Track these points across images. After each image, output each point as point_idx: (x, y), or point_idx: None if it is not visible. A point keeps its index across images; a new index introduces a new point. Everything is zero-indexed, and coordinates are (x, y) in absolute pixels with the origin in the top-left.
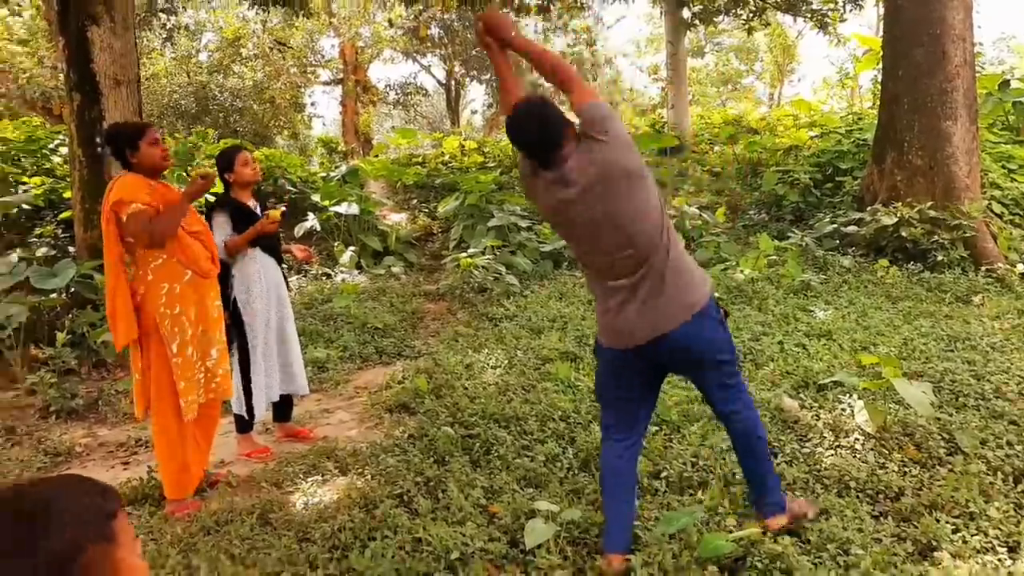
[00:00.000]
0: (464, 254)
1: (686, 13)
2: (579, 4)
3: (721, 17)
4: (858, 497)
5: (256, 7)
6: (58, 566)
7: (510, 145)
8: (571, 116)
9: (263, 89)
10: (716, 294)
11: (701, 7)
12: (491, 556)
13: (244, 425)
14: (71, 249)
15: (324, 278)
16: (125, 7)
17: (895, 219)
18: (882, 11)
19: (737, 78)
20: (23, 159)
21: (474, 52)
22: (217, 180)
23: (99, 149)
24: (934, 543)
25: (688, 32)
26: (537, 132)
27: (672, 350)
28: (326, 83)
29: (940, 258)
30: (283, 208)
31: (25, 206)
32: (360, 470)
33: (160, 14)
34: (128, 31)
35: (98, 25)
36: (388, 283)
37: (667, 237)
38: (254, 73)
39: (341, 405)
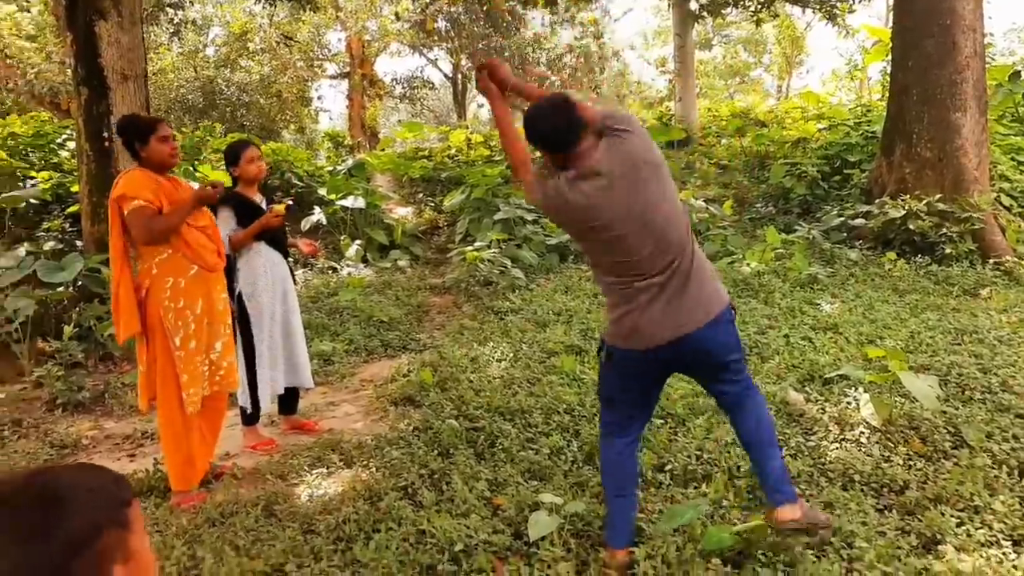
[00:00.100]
0: (470, 247)
1: (694, 5)
2: None
3: (729, 9)
4: (863, 490)
5: (263, 1)
6: (74, 550)
7: None
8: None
9: (270, 83)
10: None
11: None
12: (495, 548)
13: (249, 418)
14: (78, 243)
15: (330, 271)
16: (132, 2)
17: (903, 212)
18: (892, 2)
19: (745, 70)
20: (31, 154)
21: (480, 46)
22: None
23: (106, 144)
24: (938, 537)
25: (696, 24)
26: (564, 121)
27: (693, 351)
28: (333, 77)
29: (948, 251)
30: (288, 202)
31: (33, 200)
32: (365, 462)
33: (167, 9)
34: (135, 26)
35: (106, 20)
36: (394, 276)
37: (691, 236)
38: (261, 67)
39: (347, 398)
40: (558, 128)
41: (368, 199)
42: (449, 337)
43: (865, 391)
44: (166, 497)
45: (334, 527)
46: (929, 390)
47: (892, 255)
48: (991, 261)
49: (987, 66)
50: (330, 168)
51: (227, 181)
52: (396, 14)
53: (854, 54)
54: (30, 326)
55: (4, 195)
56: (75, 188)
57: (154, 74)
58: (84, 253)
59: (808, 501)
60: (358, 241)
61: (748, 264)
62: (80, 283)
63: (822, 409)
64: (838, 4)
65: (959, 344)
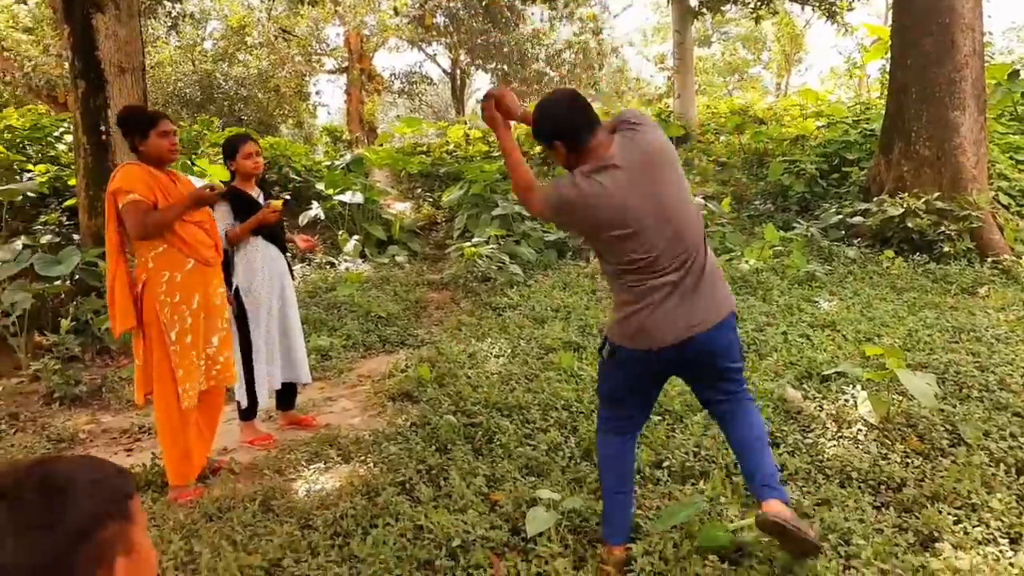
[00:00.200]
0: (468, 243)
1: (693, 2)
2: None
3: (728, 6)
4: (860, 488)
5: None
6: (77, 540)
7: (516, 135)
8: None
9: (268, 78)
10: None
11: None
12: (492, 544)
13: (247, 412)
14: (75, 236)
15: (328, 267)
16: None
17: (901, 210)
18: (891, 0)
19: (744, 67)
20: (28, 147)
21: (479, 40)
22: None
23: (103, 137)
24: (936, 534)
25: (695, 21)
26: (581, 109)
27: (698, 352)
28: (331, 72)
29: (946, 249)
30: (286, 197)
31: (30, 193)
32: (362, 458)
33: (165, 2)
34: (133, 19)
35: (103, 13)
36: (392, 272)
37: (704, 235)
38: (259, 61)
39: (344, 393)
40: (575, 115)
41: (366, 194)
42: (447, 333)
43: (863, 388)
44: (163, 492)
45: (331, 522)
46: (927, 388)
47: (890, 253)
48: (989, 259)
49: (986, 65)
50: (328, 163)
51: (225, 175)
52: (395, 9)
53: (853, 52)
54: (27, 320)
55: (1, 188)
56: (72, 181)
57: (152, 67)
58: (81, 246)
59: (805, 499)
60: (356, 236)
61: (746, 261)
62: (77, 277)
63: (820, 406)
64: (837, 2)
65: (957, 342)
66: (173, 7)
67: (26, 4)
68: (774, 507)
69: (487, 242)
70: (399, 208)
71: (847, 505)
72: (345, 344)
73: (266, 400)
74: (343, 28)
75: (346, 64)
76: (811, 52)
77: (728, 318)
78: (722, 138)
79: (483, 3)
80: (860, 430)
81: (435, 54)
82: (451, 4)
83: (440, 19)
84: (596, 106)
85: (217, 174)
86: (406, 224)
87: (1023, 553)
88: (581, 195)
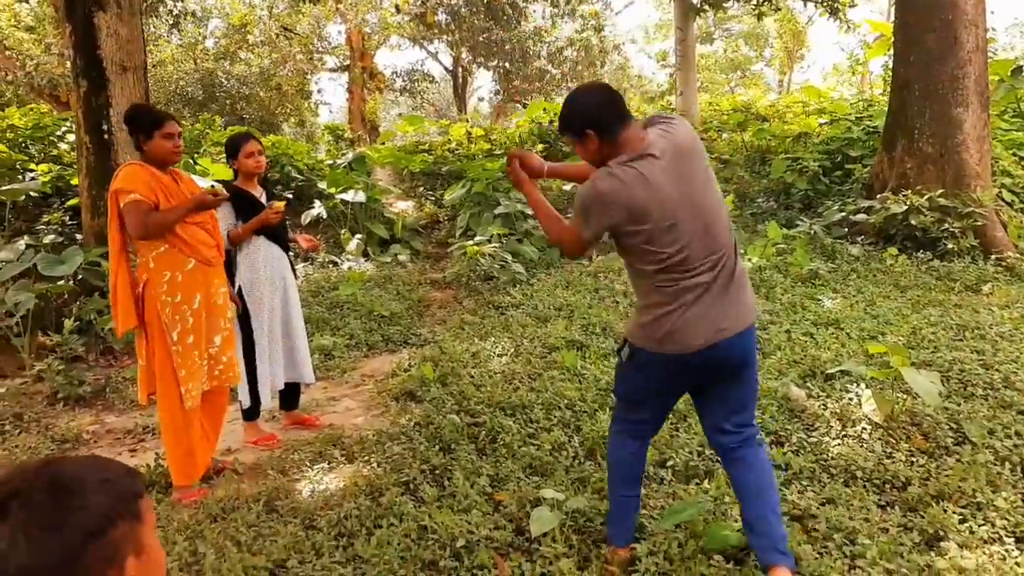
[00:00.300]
0: (470, 242)
1: None
2: None
3: (731, 2)
4: (865, 487)
5: None
6: (88, 539)
7: (518, 133)
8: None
9: (270, 76)
10: None
11: None
12: (496, 544)
13: (250, 412)
14: (78, 236)
15: (331, 266)
16: None
17: (904, 207)
18: None
19: (746, 64)
20: (30, 146)
21: (481, 38)
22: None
23: (105, 136)
24: (941, 533)
25: (697, 18)
26: (616, 99)
27: (727, 356)
28: (333, 70)
29: (950, 246)
30: (288, 196)
31: (33, 193)
32: (366, 458)
33: (167, 1)
34: (135, 17)
35: (105, 11)
36: (394, 271)
37: (734, 238)
38: (261, 60)
39: (347, 393)
40: (609, 104)
41: (368, 193)
42: (450, 332)
43: (867, 387)
44: (167, 492)
45: (335, 523)
46: (931, 386)
47: (894, 250)
48: (993, 257)
49: (989, 61)
50: (330, 162)
51: (227, 174)
52: (396, 7)
53: (855, 49)
54: (30, 320)
55: (4, 188)
56: (75, 181)
57: (153, 66)
58: (84, 246)
59: (809, 498)
60: (358, 235)
61: (749, 259)
62: (80, 276)
63: (824, 405)
64: None
65: (961, 340)
66: (175, 5)
67: (28, 2)
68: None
69: (489, 240)
70: (401, 207)
71: (852, 504)
72: (348, 343)
73: (269, 400)
74: (345, 26)
75: (348, 62)
76: (813, 49)
77: (753, 325)
78: (724, 135)
79: (485, 0)
80: (864, 428)
81: (437, 52)
82: (453, 2)
83: (442, 17)
84: None
85: (219, 173)
86: (408, 223)
87: None
88: (619, 183)
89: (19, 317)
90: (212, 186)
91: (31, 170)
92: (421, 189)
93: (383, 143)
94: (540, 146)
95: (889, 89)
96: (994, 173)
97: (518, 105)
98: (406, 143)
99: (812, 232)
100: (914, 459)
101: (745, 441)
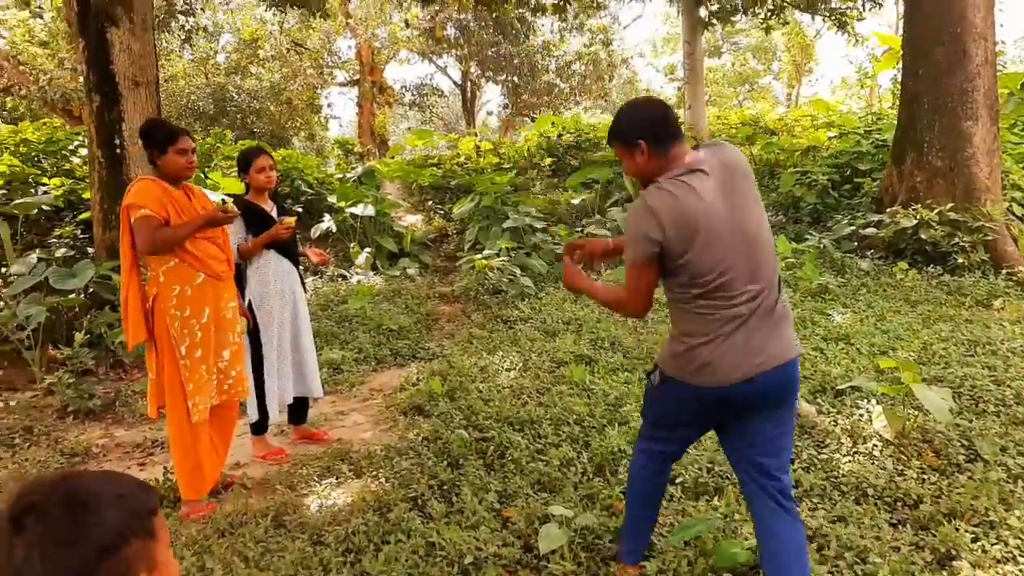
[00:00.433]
0: (479, 256)
1: (703, 12)
2: (595, 3)
3: (739, 16)
4: (876, 504)
5: (273, 8)
6: (102, 555)
7: (526, 147)
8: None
9: (280, 90)
10: None
11: (718, 6)
12: (505, 561)
13: (258, 427)
14: (90, 250)
15: (339, 279)
16: (144, 9)
17: (914, 221)
18: (902, 9)
19: (754, 78)
20: (43, 160)
21: (490, 52)
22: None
23: (118, 150)
24: (953, 552)
25: (705, 31)
26: (670, 114)
27: (766, 391)
28: (342, 84)
29: (960, 261)
30: (298, 211)
31: (45, 207)
32: (374, 473)
33: (179, 16)
34: (147, 32)
35: (118, 27)
36: (403, 284)
37: (778, 273)
38: (271, 74)
39: (356, 407)
40: (664, 118)
41: (378, 207)
42: (458, 346)
43: (878, 403)
44: (175, 507)
45: (343, 538)
46: (942, 402)
47: (904, 265)
48: (1004, 271)
49: (998, 74)
50: (340, 175)
51: (239, 188)
52: (406, 21)
53: (864, 62)
54: (41, 333)
55: (16, 202)
56: (87, 195)
57: (165, 81)
58: (95, 260)
59: (820, 516)
60: (367, 249)
61: None
62: (91, 290)
63: (834, 421)
64: (848, 12)
65: (972, 355)
66: (187, 21)
67: (42, 18)
68: None
69: (498, 254)
70: (410, 220)
71: (863, 522)
72: (357, 357)
73: (277, 414)
74: (355, 41)
75: (357, 77)
76: (821, 62)
77: (795, 360)
78: (723, 137)
79: (493, 15)
80: (875, 445)
81: (446, 66)
82: (461, 16)
83: (451, 31)
84: (606, 116)
85: (230, 187)
86: (417, 236)
87: None
88: (669, 196)
89: (30, 330)
90: (224, 201)
91: (44, 184)
92: (430, 203)
93: (392, 157)
94: (548, 160)
95: (898, 102)
96: (1004, 187)
97: (527, 119)
98: (415, 157)
99: (821, 246)
100: (925, 476)
101: (781, 494)
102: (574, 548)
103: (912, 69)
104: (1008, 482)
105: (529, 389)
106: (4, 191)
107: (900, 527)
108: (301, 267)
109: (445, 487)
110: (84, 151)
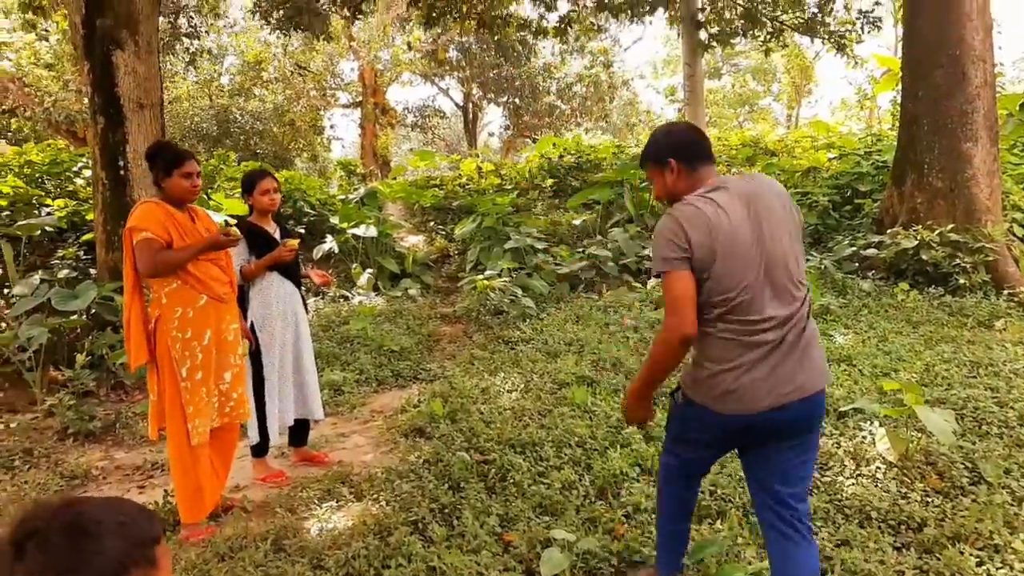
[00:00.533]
0: (481, 276)
1: (703, 35)
2: (596, 26)
3: (738, 38)
4: (880, 528)
5: (277, 31)
6: None
7: (527, 168)
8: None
9: (283, 112)
10: None
11: (718, 29)
12: None
13: (258, 449)
14: (92, 271)
15: (341, 300)
16: (150, 32)
17: (915, 242)
18: (901, 31)
19: (754, 99)
20: (47, 181)
21: (491, 74)
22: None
23: (121, 172)
24: None
25: (705, 54)
26: (703, 137)
27: (793, 419)
28: (345, 106)
29: (961, 282)
30: (301, 232)
31: (48, 228)
32: (375, 496)
33: (183, 38)
34: (152, 55)
35: (123, 50)
36: (405, 305)
37: (808, 300)
38: (275, 96)
39: (357, 429)
40: (697, 139)
41: (380, 228)
42: (460, 367)
43: (881, 425)
44: (175, 530)
45: (343, 562)
46: (945, 424)
47: (905, 285)
48: (1005, 292)
49: (997, 96)
50: (342, 196)
51: (242, 209)
52: (408, 44)
53: (863, 83)
54: (43, 354)
55: (20, 223)
56: (90, 216)
57: (169, 102)
58: (98, 281)
59: (824, 540)
60: (369, 270)
61: None
62: (93, 311)
63: (837, 443)
64: (847, 34)
65: (975, 377)
66: (191, 43)
67: (47, 41)
68: None
69: (499, 275)
70: (412, 241)
71: (867, 546)
72: (358, 378)
73: (278, 437)
74: (357, 63)
75: (360, 98)
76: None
77: (823, 390)
78: (734, 170)
79: (495, 38)
80: (879, 468)
81: (448, 88)
82: (464, 39)
83: (453, 53)
84: (607, 137)
85: (233, 208)
86: (419, 257)
87: None
88: (694, 209)
89: (32, 352)
90: (226, 222)
91: (47, 205)
92: (432, 224)
93: (394, 178)
94: (550, 181)
95: (898, 124)
96: (1005, 208)
97: (528, 140)
98: (417, 178)
99: (823, 267)
100: (929, 499)
101: (799, 521)
102: (576, 572)
103: (912, 91)
104: (1012, 505)
105: (531, 411)
106: (8, 212)
107: (904, 551)
108: (303, 288)
109: (446, 510)
110: (88, 172)
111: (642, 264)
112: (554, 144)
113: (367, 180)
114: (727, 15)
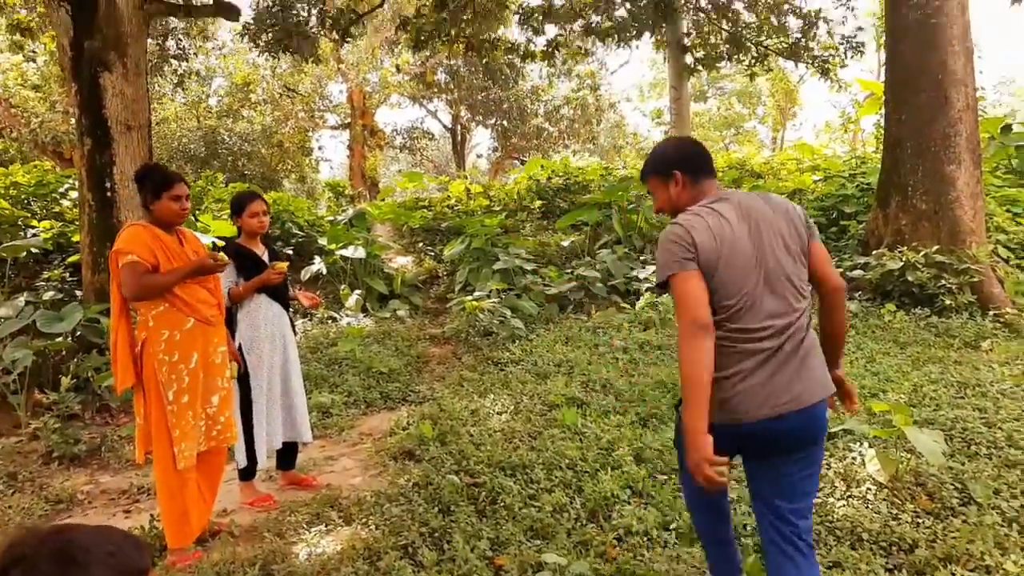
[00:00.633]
0: (469, 297)
1: (689, 59)
2: (583, 50)
3: (723, 62)
4: (871, 549)
5: (266, 53)
6: None
7: (516, 189)
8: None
9: (271, 133)
10: None
11: (704, 53)
12: None
13: (246, 472)
14: (78, 293)
15: (329, 321)
16: (138, 54)
17: (901, 263)
18: (884, 56)
19: (740, 122)
20: (33, 203)
21: (479, 97)
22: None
23: (108, 194)
24: None
25: (691, 77)
26: (706, 152)
27: (791, 430)
28: (334, 127)
29: (947, 303)
30: (289, 253)
31: (34, 250)
32: (364, 520)
33: (172, 60)
34: (140, 77)
35: (110, 72)
36: (393, 326)
37: (808, 310)
38: (263, 117)
39: (345, 451)
40: (700, 153)
41: (368, 249)
42: (449, 388)
43: (870, 446)
44: (162, 555)
45: None
46: (935, 445)
47: (891, 307)
48: (991, 313)
49: (979, 119)
50: (330, 218)
51: (231, 231)
52: (397, 66)
53: (847, 106)
54: (28, 377)
55: (5, 244)
56: (76, 238)
57: (157, 123)
58: (84, 303)
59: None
60: (358, 291)
61: None
62: (79, 333)
63: (827, 464)
64: (830, 59)
65: (962, 397)
66: (179, 65)
67: (35, 62)
68: None
69: (488, 296)
70: (401, 262)
71: (859, 568)
72: (346, 401)
73: (265, 460)
74: (346, 85)
75: (349, 120)
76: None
77: (824, 401)
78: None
79: (483, 61)
80: (869, 489)
81: (436, 110)
82: (452, 62)
83: (441, 76)
84: (594, 159)
85: (221, 229)
86: (408, 278)
87: None
88: (696, 217)
89: (16, 374)
90: (213, 245)
91: (33, 227)
92: (420, 245)
93: (383, 199)
94: (538, 202)
95: (882, 147)
96: (989, 229)
97: (516, 162)
98: (406, 199)
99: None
100: (920, 520)
101: (800, 538)
102: None
103: (895, 115)
104: (1003, 526)
105: (521, 433)
106: None
107: (896, 572)
108: (291, 310)
109: (436, 534)
110: (74, 194)
111: (630, 285)
112: (542, 166)
113: (355, 201)
114: (713, 40)
